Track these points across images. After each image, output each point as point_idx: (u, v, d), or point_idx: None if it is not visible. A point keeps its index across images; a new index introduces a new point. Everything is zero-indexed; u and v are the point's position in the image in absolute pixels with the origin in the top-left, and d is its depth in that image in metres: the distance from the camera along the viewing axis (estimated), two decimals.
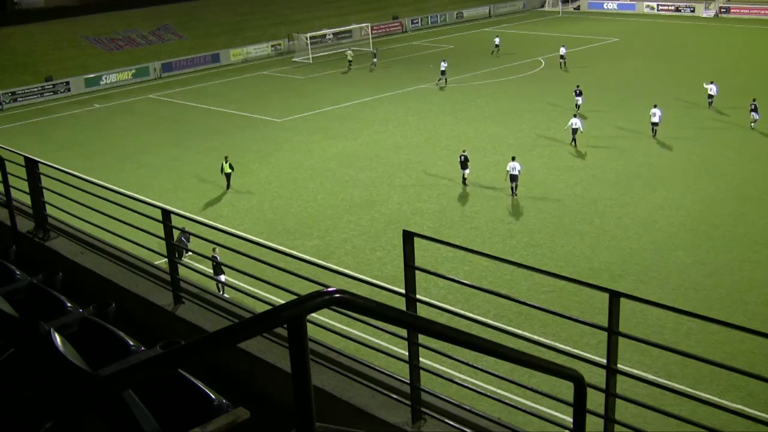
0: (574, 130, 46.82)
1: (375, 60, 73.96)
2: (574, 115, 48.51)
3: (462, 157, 41.64)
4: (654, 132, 48.30)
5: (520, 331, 23.57)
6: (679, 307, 6.71)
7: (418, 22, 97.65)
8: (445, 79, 64.97)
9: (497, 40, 78.41)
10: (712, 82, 54.72)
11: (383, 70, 72.58)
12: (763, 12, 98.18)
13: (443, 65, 64.90)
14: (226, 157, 42.68)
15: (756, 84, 58.58)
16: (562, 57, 71.21)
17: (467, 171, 41.58)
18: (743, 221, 35.70)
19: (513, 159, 39.84)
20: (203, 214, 38.24)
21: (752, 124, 49.17)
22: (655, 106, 48.49)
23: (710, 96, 54.16)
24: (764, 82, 59.88)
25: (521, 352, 4.74)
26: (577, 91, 54.67)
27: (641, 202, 38.34)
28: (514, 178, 39.38)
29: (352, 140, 50.53)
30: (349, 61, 74.80)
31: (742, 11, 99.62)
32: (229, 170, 42.30)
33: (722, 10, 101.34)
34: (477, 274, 30.50)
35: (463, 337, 4.48)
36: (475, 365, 7.65)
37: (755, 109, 49.05)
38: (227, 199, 41.26)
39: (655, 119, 48.13)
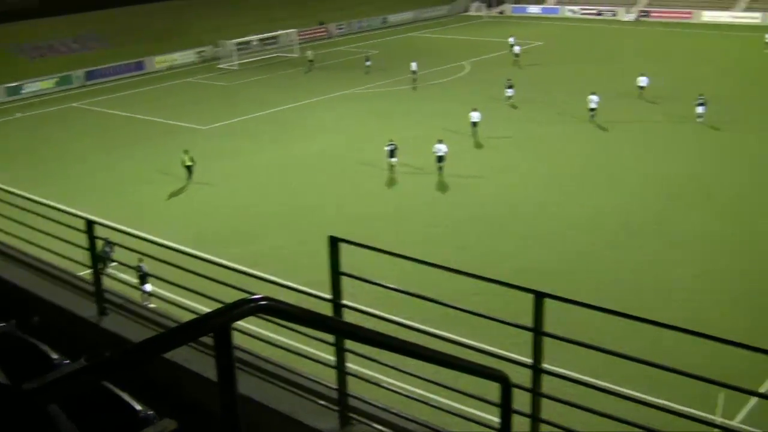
0: (474, 123, 50.09)
1: (369, 63, 74.12)
2: (474, 109, 51.01)
3: (390, 147, 43.63)
4: (592, 116, 52.71)
5: (446, 334, 23.62)
6: (604, 306, 6.83)
7: (343, 28, 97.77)
8: (415, 79, 66.97)
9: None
10: (642, 74, 59.56)
11: (311, 75, 72.55)
12: (681, 15, 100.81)
13: (413, 66, 66.51)
14: (186, 151, 43.69)
15: (681, 82, 61.25)
16: (516, 55, 75.05)
17: (395, 159, 43.68)
18: (667, 219, 36.50)
19: (440, 141, 43.22)
20: (130, 223, 37.73)
21: (698, 119, 51.64)
22: (593, 93, 53.00)
23: (641, 87, 58.97)
24: (685, 81, 61.59)
25: (447, 355, 4.79)
26: (510, 83, 58.86)
27: (569, 203, 38.91)
28: (440, 159, 42.55)
29: (280, 146, 50.37)
30: (310, 61, 75.57)
31: (661, 14, 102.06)
32: (189, 162, 43.08)
33: (642, 13, 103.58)
34: (404, 278, 30.52)
35: (389, 341, 4.51)
36: (402, 369, 7.68)
37: (702, 104, 51.66)
38: (155, 208, 40.85)
39: (593, 105, 52.59)
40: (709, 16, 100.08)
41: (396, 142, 44.41)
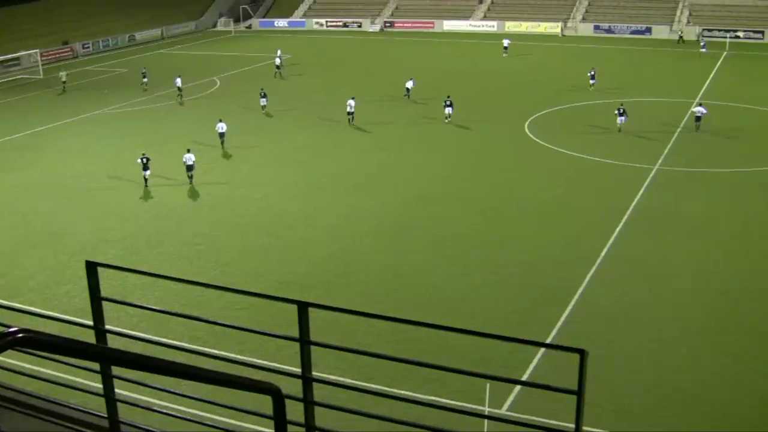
0: (221, 134, 50.77)
1: (145, 80, 71.17)
2: (220, 120, 51.47)
3: (143, 160, 43.59)
4: (350, 120, 55.35)
5: (216, 351, 23.45)
6: (368, 312, 6.93)
7: (89, 47, 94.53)
8: (180, 95, 66.51)
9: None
10: (411, 79, 63.72)
11: (64, 96, 69.72)
12: (424, 25, 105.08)
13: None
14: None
15: (430, 86, 63.87)
16: (277, 66, 75.86)
17: (148, 172, 43.67)
18: (424, 222, 37.64)
19: (188, 151, 44.40)
20: None
21: (446, 120, 54.99)
22: (351, 98, 55.47)
23: (407, 90, 62.97)
24: (433, 85, 64.26)
25: (217, 372, 4.71)
26: (263, 93, 60.67)
27: (326, 211, 39.41)
28: (190, 168, 43.90)
29: (27, 171, 48.01)
30: (63, 82, 72.14)
31: (405, 25, 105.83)
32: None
33: (387, 24, 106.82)
34: (168, 298, 29.98)
35: (156, 364, 4.39)
36: (174, 391, 7.52)
37: (449, 105, 55.08)
38: None
39: (350, 109, 55.08)
40: (449, 25, 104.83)
41: (148, 155, 43.89)
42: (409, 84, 63.84)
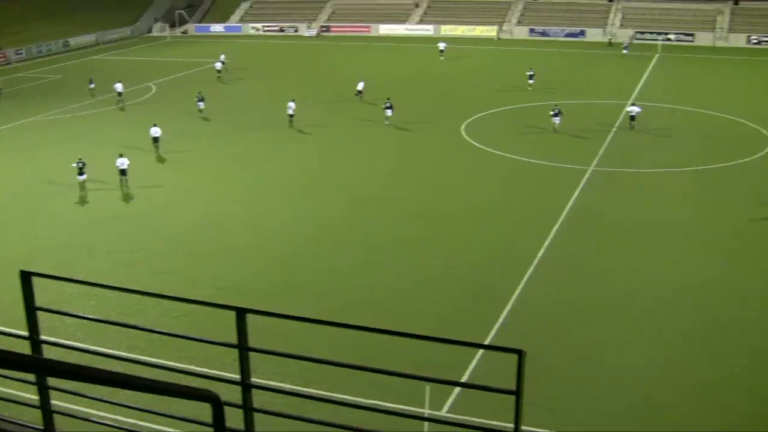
0: (155, 139, 50.86)
1: (92, 86, 69.85)
2: (154, 124, 51.41)
3: (78, 164, 43.40)
4: (290, 122, 55.92)
5: (154, 360, 23.23)
6: (307, 316, 6.94)
7: (22, 53, 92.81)
8: (120, 100, 65.80)
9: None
10: (361, 80, 65.08)
11: None
12: (360, 29, 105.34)
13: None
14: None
15: (371, 89, 64.47)
16: (218, 71, 76.15)
17: (84, 177, 43.43)
18: (362, 226, 37.70)
19: (121, 155, 43.86)
20: None
21: (386, 122, 55.78)
22: (292, 101, 56.20)
23: (359, 92, 64.16)
24: (373, 87, 64.57)
25: (155, 381, 4.68)
26: (201, 96, 60.90)
27: (264, 217, 39.24)
28: (123, 172, 43.74)
29: None
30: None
31: (341, 29, 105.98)
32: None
33: (323, 28, 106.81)
34: (105, 307, 29.60)
35: (94, 374, 4.35)
36: (112, 401, 7.46)
37: (389, 107, 55.84)
38: None
39: (290, 111, 55.67)
40: (386, 29, 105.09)
41: (84, 159, 43.61)
42: (360, 85, 64.85)
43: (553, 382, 24.08)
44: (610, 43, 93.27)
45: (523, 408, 5.53)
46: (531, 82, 68.41)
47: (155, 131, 50.62)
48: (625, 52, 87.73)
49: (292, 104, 56.49)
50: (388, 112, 56.27)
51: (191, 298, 7.70)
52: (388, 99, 57.25)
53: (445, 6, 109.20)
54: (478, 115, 58.91)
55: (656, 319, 28.50)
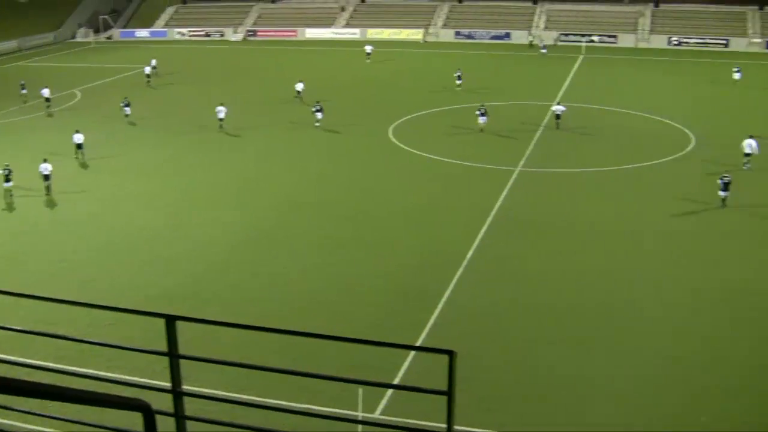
0: (79, 145, 50.36)
1: (24, 91, 68.34)
2: (77, 131, 50.83)
3: (5, 171, 42.81)
4: (221, 126, 56.19)
5: (84, 370, 22.92)
6: (239, 322, 6.94)
7: None
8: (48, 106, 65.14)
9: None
10: (300, 81, 66.12)
11: None
12: (286, 33, 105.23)
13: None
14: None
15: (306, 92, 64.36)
16: (148, 76, 75.81)
17: (10, 184, 42.70)
18: (289, 232, 37.58)
19: (45, 161, 43.77)
20: None
21: (316, 124, 56.15)
22: (221, 105, 56.63)
23: (298, 93, 65.24)
24: (305, 91, 64.41)
25: (85, 391, 4.65)
26: (127, 101, 60.48)
27: (191, 223, 38.91)
28: (46, 177, 43.34)
29: None
30: None
31: (267, 33, 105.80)
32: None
33: (249, 33, 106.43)
34: (32, 318, 29.08)
35: (21, 386, 4.31)
36: (40, 413, 7.36)
37: (319, 110, 56.36)
38: None
39: (220, 115, 56.02)
40: (312, 33, 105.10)
41: (11, 167, 42.88)
42: (299, 86, 65.78)
43: (486, 382, 24.30)
44: (531, 44, 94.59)
45: (455, 408, 5.59)
46: (459, 82, 69.38)
47: (78, 138, 50.05)
48: (543, 51, 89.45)
49: (221, 108, 56.58)
50: (318, 115, 56.48)
51: (120, 306, 7.65)
52: (318, 102, 57.61)
53: (371, 10, 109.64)
54: (406, 118, 59.20)
55: (585, 317, 28.93)
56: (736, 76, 72.11)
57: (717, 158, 46.94)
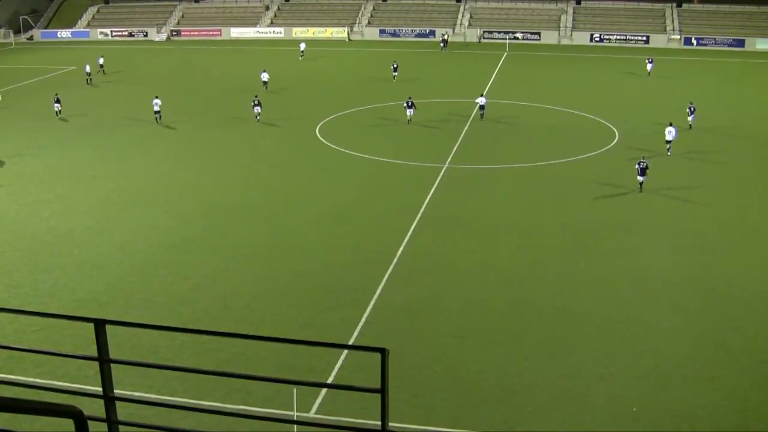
0: None
1: None
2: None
3: None
4: (157, 119, 57.84)
5: (12, 377, 22.51)
6: (167, 325, 6.92)
7: None
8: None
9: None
10: (264, 70, 68.65)
11: None
12: (210, 33, 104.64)
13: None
14: None
15: (230, 92, 63.01)
16: (89, 74, 75.39)
17: None
18: (216, 232, 37.33)
19: None
20: None
21: (257, 118, 57.58)
22: (156, 97, 57.85)
23: (264, 83, 67.93)
24: (240, 89, 63.96)
25: (14, 399, 4.60)
26: (57, 98, 60.05)
27: (117, 226, 38.39)
28: None
29: None
30: None
31: (192, 33, 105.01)
32: None
33: (173, 32, 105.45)
34: None
35: None
36: None
37: (258, 104, 57.71)
38: None
39: (156, 108, 57.66)
40: (237, 32, 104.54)
41: None
42: (264, 76, 68.88)
43: (418, 378, 24.45)
44: (444, 43, 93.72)
45: (389, 405, 5.64)
46: (395, 74, 72.92)
47: None
48: (441, 45, 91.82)
49: (157, 101, 57.59)
50: (257, 109, 57.63)
51: (48, 311, 7.57)
52: (256, 96, 58.98)
53: (295, 8, 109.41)
54: (332, 116, 59.25)
55: (512, 312, 29.26)
56: (648, 66, 75.66)
57: (640, 147, 48.22)
